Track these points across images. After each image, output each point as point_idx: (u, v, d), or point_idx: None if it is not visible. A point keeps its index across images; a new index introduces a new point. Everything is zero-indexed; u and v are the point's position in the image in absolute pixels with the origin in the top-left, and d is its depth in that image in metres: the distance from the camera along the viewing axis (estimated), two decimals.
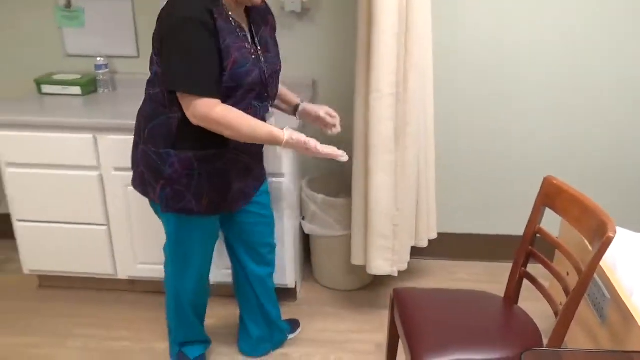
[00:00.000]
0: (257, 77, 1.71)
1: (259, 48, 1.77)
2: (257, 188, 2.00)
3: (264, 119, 1.79)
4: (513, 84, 2.61)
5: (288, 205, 2.36)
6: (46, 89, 2.61)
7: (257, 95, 1.76)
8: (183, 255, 1.94)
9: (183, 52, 1.59)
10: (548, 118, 2.65)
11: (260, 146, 1.94)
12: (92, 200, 2.41)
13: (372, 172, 2.27)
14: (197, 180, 1.77)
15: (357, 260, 2.44)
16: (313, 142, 1.73)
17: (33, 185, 2.41)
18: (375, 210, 2.29)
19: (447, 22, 2.52)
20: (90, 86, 2.63)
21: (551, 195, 1.74)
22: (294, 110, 2.05)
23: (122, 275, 2.55)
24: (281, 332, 2.31)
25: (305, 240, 2.73)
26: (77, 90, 2.59)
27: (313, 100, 2.69)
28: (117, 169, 2.33)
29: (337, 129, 1.99)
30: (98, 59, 2.62)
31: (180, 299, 2.03)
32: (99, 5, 2.63)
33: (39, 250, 2.53)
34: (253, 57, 1.71)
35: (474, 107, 2.66)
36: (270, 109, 1.89)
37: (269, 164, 2.24)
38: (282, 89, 2.00)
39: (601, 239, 1.43)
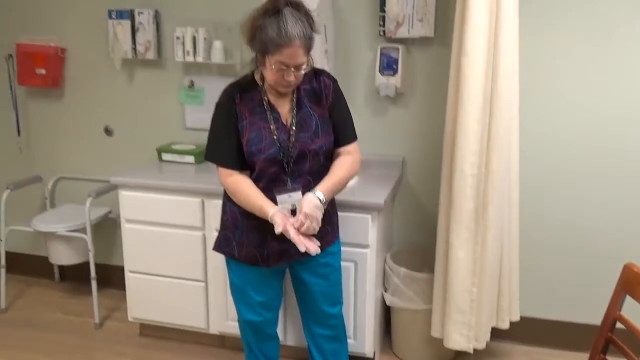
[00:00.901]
0: (272, 154, 1.94)
1: (293, 128, 1.97)
2: (307, 255, 1.93)
3: (291, 191, 1.97)
4: (599, 170, 2.62)
5: (371, 276, 2.47)
6: (165, 156, 2.98)
7: (281, 170, 1.97)
8: (237, 297, 2.19)
9: (211, 130, 2.05)
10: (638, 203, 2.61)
11: None
12: (194, 258, 2.66)
13: (452, 249, 2.34)
14: (240, 232, 2.06)
15: (435, 332, 2.49)
16: (279, 229, 1.85)
17: (145, 240, 2.71)
18: (454, 285, 2.35)
19: (534, 109, 2.62)
20: (202, 156, 2.95)
21: (631, 282, 1.73)
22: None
23: (214, 330, 2.74)
24: None
25: (386, 312, 2.80)
26: (191, 159, 2.93)
27: (402, 177, 2.84)
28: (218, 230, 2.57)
29: (308, 247, 1.86)
30: None
31: (248, 341, 2.26)
32: (217, 86, 2.97)
33: (144, 299, 2.80)
34: (274, 136, 1.94)
35: (559, 190, 2.68)
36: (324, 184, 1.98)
37: (355, 235, 2.40)
38: (331, 170, 2.02)
39: None
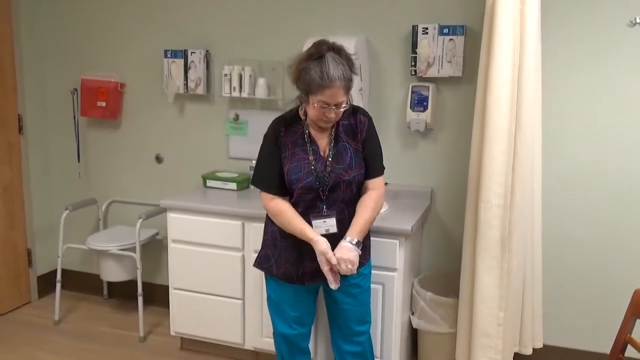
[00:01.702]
0: (309, 183, 2.14)
1: (330, 160, 2.16)
2: (341, 275, 2.17)
3: (326, 217, 2.17)
4: (624, 198, 2.70)
5: (398, 299, 2.61)
6: (210, 183, 3.22)
7: (317, 198, 2.16)
8: (273, 311, 2.37)
9: (258, 158, 2.27)
10: None
11: (339, 238, 2.16)
12: (233, 277, 2.86)
13: (479, 275, 2.47)
14: (279, 251, 2.25)
15: (461, 357, 2.59)
16: (322, 257, 2.09)
17: (189, 259, 2.93)
18: (480, 310, 2.46)
19: (556, 141, 2.75)
20: (244, 183, 3.18)
21: None
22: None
23: (249, 345, 2.91)
24: None
25: (413, 334, 2.92)
26: (233, 185, 3.16)
27: (430, 207, 3.00)
28: (257, 251, 2.75)
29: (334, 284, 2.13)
30: (253, 161, 3.13)
31: (282, 353, 2.41)
32: (260, 119, 3.24)
33: (186, 315, 3.00)
34: (312, 167, 2.13)
35: (583, 220, 2.78)
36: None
37: (383, 259, 2.55)
38: (355, 217, 2.18)
39: None
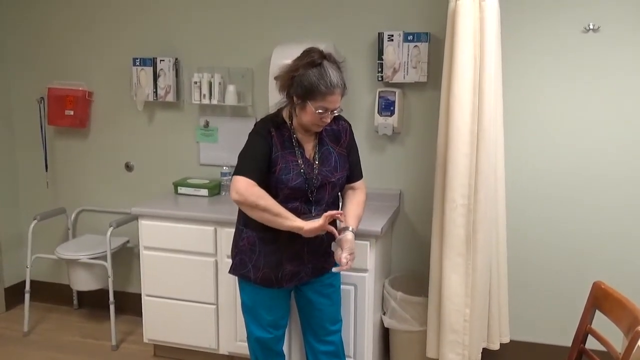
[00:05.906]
0: (299, 184, 2.17)
1: (316, 163, 2.23)
2: (315, 276, 2.33)
3: (316, 218, 2.16)
4: (580, 197, 2.83)
5: (370, 299, 2.67)
6: (181, 190, 3.23)
7: (303, 199, 2.20)
8: (248, 317, 2.38)
9: (243, 151, 2.21)
10: (626, 231, 2.81)
11: (321, 240, 2.26)
12: (206, 282, 2.88)
13: (445, 272, 2.55)
14: (257, 256, 2.26)
15: (431, 353, 2.66)
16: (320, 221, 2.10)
17: (162, 266, 2.94)
18: (448, 306, 2.54)
19: (517, 143, 2.86)
20: (215, 189, 3.21)
21: (599, 298, 1.94)
22: (341, 229, 2.25)
23: (223, 350, 2.93)
24: None
25: (385, 333, 2.98)
26: (205, 192, 3.18)
27: (399, 208, 3.07)
28: (230, 257, 2.78)
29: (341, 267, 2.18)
30: (224, 167, 3.22)
31: (257, 357, 2.44)
32: (229, 125, 3.28)
33: (159, 321, 3.00)
34: (301, 169, 2.18)
35: (545, 217, 2.89)
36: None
37: (355, 261, 2.58)
38: (351, 208, 2.31)
39: (632, 330, 1.62)
